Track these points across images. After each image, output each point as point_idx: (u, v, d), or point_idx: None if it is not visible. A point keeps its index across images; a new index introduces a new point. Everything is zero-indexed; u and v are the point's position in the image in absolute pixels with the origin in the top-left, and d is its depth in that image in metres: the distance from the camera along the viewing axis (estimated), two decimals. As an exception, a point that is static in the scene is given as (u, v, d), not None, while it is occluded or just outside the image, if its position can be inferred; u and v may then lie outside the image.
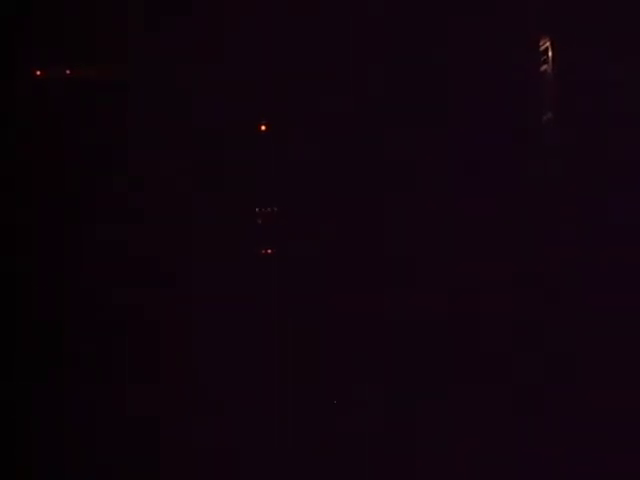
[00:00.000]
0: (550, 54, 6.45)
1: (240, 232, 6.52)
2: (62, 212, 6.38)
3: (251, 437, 6.23)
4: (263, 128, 6.61)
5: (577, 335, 6.21)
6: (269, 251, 6.58)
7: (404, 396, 6.29)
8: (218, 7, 6.45)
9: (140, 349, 6.25)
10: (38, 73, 6.48)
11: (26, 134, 6.38)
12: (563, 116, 6.46)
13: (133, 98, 6.44)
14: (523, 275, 6.36)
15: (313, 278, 6.47)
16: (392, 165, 6.51)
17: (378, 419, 6.27)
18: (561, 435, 6.13)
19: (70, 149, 6.42)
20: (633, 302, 6.16)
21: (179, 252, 6.40)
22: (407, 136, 6.49)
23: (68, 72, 6.49)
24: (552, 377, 6.23)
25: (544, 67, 6.48)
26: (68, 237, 6.36)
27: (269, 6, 6.50)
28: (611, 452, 6.01)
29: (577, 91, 6.38)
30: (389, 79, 6.51)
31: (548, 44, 6.45)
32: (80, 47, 6.42)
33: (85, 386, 6.19)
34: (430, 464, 6.18)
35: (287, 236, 6.56)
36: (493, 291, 6.36)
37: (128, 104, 6.44)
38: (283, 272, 6.49)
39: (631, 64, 6.30)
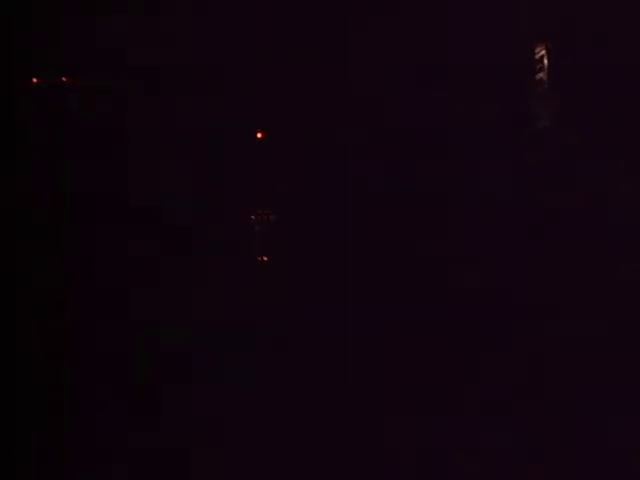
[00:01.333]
0: (546, 61, 6.49)
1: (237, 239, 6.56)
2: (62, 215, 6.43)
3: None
4: (259, 135, 6.63)
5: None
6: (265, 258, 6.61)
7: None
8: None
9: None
10: (36, 80, 6.51)
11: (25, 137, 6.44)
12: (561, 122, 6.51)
13: (132, 104, 6.49)
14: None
15: (311, 284, 6.49)
16: (392, 171, 6.54)
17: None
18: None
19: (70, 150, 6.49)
20: (632, 301, 6.19)
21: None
22: (407, 141, 6.52)
23: (66, 79, 6.53)
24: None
25: (540, 75, 6.53)
26: (67, 239, 6.40)
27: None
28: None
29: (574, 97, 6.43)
30: (388, 84, 6.54)
31: (544, 52, 6.49)
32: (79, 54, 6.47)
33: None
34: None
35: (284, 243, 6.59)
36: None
37: (127, 110, 6.48)
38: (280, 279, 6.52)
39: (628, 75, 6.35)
